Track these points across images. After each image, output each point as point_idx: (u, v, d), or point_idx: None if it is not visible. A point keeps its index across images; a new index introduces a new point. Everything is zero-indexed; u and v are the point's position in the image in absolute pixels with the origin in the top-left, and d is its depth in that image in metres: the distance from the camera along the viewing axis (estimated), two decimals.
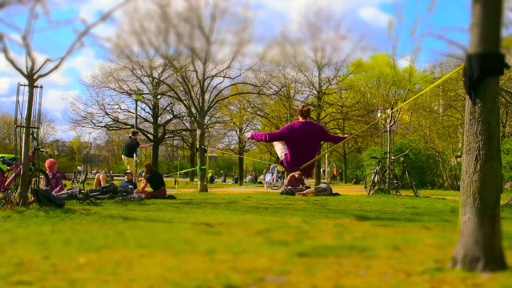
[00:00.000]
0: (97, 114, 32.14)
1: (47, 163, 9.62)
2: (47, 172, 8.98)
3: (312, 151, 6.55)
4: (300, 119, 6.59)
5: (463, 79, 2.85)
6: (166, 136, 36.06)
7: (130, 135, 14.04)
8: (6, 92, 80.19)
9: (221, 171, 45.85)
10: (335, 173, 39.94)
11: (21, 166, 6.76)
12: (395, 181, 12.54)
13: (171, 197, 10.60)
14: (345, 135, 7.10)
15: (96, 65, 78.86)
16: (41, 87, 6.86)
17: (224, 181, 38.46)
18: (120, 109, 32.79)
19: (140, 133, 32.99)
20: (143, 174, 12.14)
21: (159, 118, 34.35)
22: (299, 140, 6.38)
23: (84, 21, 6.38)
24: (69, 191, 8.63)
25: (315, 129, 6.62)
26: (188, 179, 32.98)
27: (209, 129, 33.16)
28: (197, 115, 15.85)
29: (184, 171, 34.11)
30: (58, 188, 9.18)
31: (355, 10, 61.38)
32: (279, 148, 6.78)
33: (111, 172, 20.80)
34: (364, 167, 24.54)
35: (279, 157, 6.90)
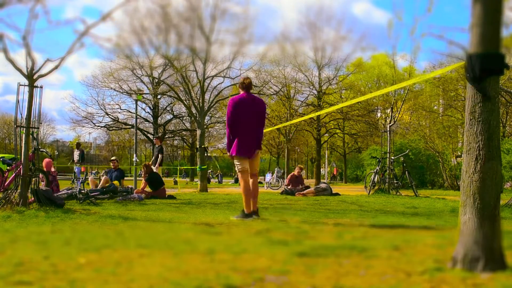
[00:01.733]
0: (97, 114, 32.26)
1: (44, 163, 9.66)
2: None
3: (259, 128, 6.10)
4: (241, 92, 6.14)
5: (466, 75, 2.84)
6: (166, 136, 36.11)
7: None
8: (0, 91, 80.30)
9: (218, 170, 40.79)
10: (335, 173, 39.93)
11: (21, 166, 6.76)
12: (395, 181, 12.54)
13: (171, 197, 10.60)
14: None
15: (88, 64, 78.70)
16: (41, 87, 6.85)
17: (221, 181, 32.04)
18: (120, 109, 32.90)
19: (141, 133, 33.02)
20: (142, 175, 12.13)
21: (159, 118, 34.43)
22: (245, 116, 5.97)
23: (84, 21, 6.38)
24: (69, 191, 8.63)
25: (261, 102, 6.23)
26: (188, 179, 32.93)
27: (209, 129, 33.18)
28: (197, 115, 15.85)
29: (184, 167, 33.91)
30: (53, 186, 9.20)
31: (347, 5, 61.16)
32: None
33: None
34: (364, 167, 24.54)
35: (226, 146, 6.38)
